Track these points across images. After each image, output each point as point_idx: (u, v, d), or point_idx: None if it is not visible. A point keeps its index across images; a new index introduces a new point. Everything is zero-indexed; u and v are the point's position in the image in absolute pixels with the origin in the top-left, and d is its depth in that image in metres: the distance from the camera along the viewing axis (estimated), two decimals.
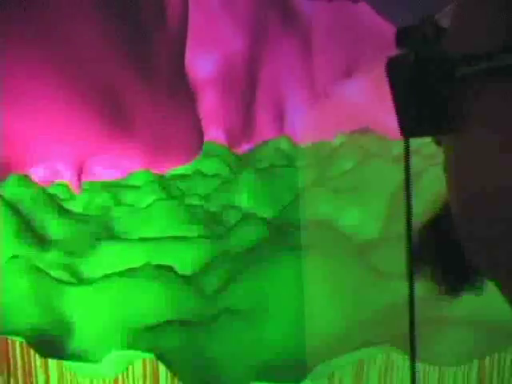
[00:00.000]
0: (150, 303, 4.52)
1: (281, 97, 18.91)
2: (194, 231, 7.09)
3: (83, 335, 4.33)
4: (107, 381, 3.70)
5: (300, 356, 3.81)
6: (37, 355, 3.92)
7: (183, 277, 5.01)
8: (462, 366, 4.13)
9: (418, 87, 0.50)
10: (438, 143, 0.58)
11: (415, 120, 0.52)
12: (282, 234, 5.38)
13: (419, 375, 4.09)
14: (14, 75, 10.72)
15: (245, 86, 16.83)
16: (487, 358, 4.22)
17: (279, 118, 19.55)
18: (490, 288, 0.55)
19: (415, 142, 0.59)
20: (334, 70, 20.54)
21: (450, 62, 0.49)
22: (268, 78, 18.27)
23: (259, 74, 18.06)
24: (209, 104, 16.45)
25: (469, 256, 0.54)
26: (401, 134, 0.56)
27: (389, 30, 22.12)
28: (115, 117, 13.00)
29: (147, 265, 4.91)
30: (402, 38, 0.52)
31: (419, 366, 4.00)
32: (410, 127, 0.54)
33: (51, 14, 11.28)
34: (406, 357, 3.80)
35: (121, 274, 4.85)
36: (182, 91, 15.16)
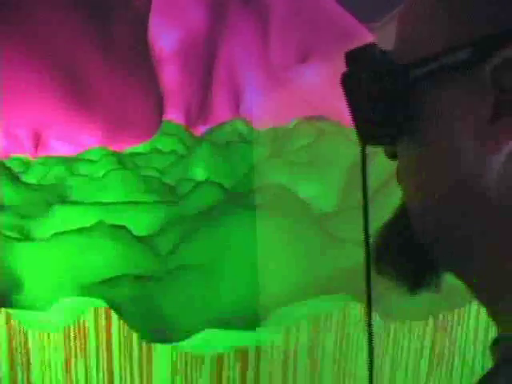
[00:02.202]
0: (103, 260, 4.48)
1: (237, 79, 18.83)
2: (148, 199, 7.05)
3: (33, 289, 4.27)
4: (58, 329, 3.66)
5: (252, 308, 3.83)
6: None
7: (137, 237, 4.98)
8: (418, 322, 4.21)
9: (373, 97, 0.52)
10: (390, 155, 0.61)
11: (373, 127, 0.54)
12: (236, 197, 5.39)
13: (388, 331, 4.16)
14: None
15: (204, 65, 16.73)
16: (441, 315, 4.32)
17: (235, 100, 19.48)
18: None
19: None
20: (291, 55, 20.53)
21: (400, 69, 0.51)
22: (226, 59, 18.18)
23: (217, 54, 17.97)
24: (168, 82, 16.31)
25: (428, 252, 0.57)
26: (359, 143, 0.59)
27: (349, 19, 22.16)
28: (75, 92, 12.82)
29: (100, 223, 4.86)
30: (352, 57, 0.54)
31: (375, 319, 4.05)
32: (367, 135, 0.56)
33: None
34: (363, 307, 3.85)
35: (72, 232, 4.79)
36: (143, 68, 15.02)
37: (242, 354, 3.60)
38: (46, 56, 11.66)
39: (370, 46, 0.54)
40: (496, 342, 0.48)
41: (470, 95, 0.47)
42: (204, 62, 17.56)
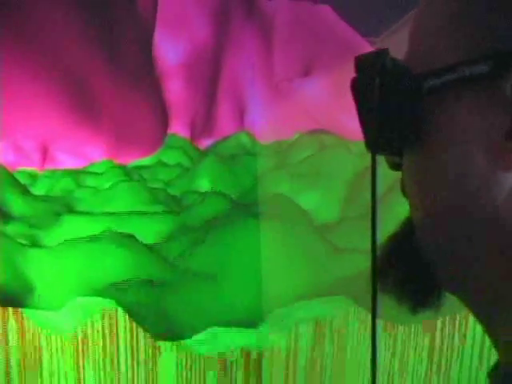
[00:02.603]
0: (112, 265, 4.64)
1: (241, 92, 18.96)
2: (156, 209, 7.22)
3: (44, 292, 4.44)
4: (69, 329, 3.81)
5: (254, 312, 3.99)
6: None
7: (145, 245, 5.15)
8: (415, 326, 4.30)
9: (384, 104, 0.51)
10: (394, 167, 0.60)
11: (384, 136, 0.52)
12: (242, 208, 5.56)
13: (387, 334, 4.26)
14: None
15: (208, 79, 16.89)
16: (440, 319, 4.41)
17: (240, 113, 19.60)
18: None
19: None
20: (294, 69, 20.65)
21: (416, 77, 0.50)
22: (230, 73, 18.34)
23: (221, 67, 18.13)
24: (173, 95, 16.46)
25: (432, 270, 0.56)
26: (368, 150, 0.56)
27: (350, 33, 22.26)
28: (81, 106, 12.98)
29: (109, 231, 5.04)
30: (362, 63, 0.53)
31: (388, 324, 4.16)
32: (377, 144, 0.54)
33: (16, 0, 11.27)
34: (365, 312, 3.97)
35: (82, 239, 4.96)
36: (148, 81, 15.19)
37: (245, 352, 3.74)
38: (53, 70, 11.83)
39: (382, 52, 0.52)
40: (495, 368, 0.48)
41: (486, 109, 0.45)
42: (208, 75, 17.72)
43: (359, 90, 0.53)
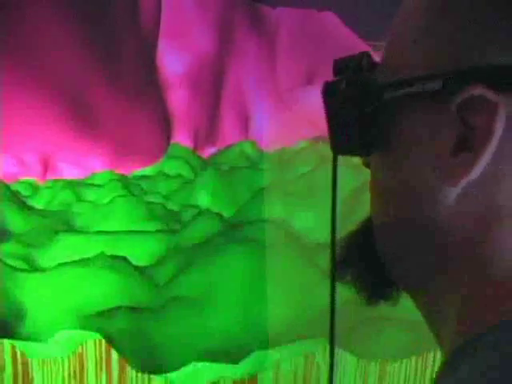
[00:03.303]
0: (103, 291, 4.69)
1: (245, 101, 18.98)
2: (151, 227, 7.27)
3: (34, 320, 4.50)
4: (57, 359, 3.86)
5: (239, 343, 4.03)
6: None
7: (136, 267, 5.20)
8: (400, 361, 4.31)
9: (347, 109, 0.53)
10: (365, 165, 0.62)
11: (344, 140, 0.55)
12: (235, 229, 5.60)
13: (361, 370, 4.29)
14: None
15: (212, 88, 16.92)
16: (425, 354, 4.42)
17: (243, 122, 19.59)
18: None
19: None
20: (298, 77, 20.65)
21: (376, 88, 0.52)
22: (233, 82, 18.36)
23: (225, 77, 18.16)
24: (177, 105, 16.49)
25: (386, 267, 0.58)
26: (332, 152, 0.60)
27: (354, 39, 22.21)
28: (81, 115, 13.01)
29: (101, 254, 5.09)
30: (339, 67, 0.56)
31: (361, 361, 4.18)
32: (339, 146, 0.57)
33: (15, 13, 11.33)
34: (346, 352, 3.99)
35: (74, 263, 5.02)
36: (150, 92, 15.23)
37: None
38: (54, 82, 11.88)
39: (357, 58, 0.54)
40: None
41: (436, 124, 0.47)
42: (212, 85, 17.74)
43: (328, 93, 0.56)
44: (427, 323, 0.55)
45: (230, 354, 3.89)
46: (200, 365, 3.60)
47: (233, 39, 18.42)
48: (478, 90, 0.44)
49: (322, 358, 3.87)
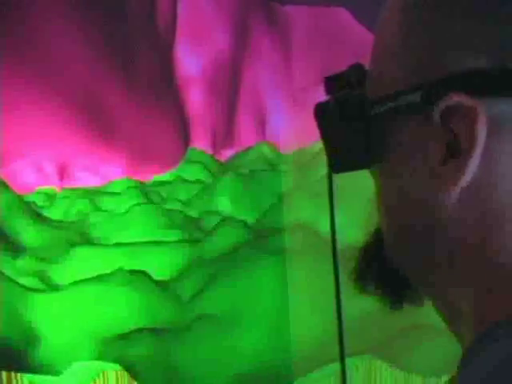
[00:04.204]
0: (122, 310, 4.32)
1: (261, 101, 18.88)
2: (172, 236, 6.92)
3: (49, 346, 4.12)
4: None
5: (277, 366, 3.64)
6: None
7: (158, 282, 4.82)
8: (441, 375, 4.03)
9: (339, 128, 0.51)
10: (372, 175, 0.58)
11: (340, 157, 0.54)
12: (261, 238, 5.22)
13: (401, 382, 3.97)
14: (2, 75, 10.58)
15: (228, 88, 16.78)
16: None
17: (260, 123, 19.48)
18: None
19: None
20: (312, 76, 20.57)
21: (364, 104, 0.50)
22: (249, 81, 18.23)
23: (242, 78, 18.01)
24: (193, 107, 16.35)
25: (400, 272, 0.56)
26: (328, 170, 0.57)
27: (371, 38, 22.23)
28: (99, 123, 12.92)
29: (120, 270, 4.71)
30: (329, 85, 0.55)
31: (401, 374, 3.88)
32: (335, 164, 0.55)
33: (35, 18, 11.13)
34: (387, 365, 3.65)
35: (91, 280, 4.65)
36: (167, 96, 15.02)
37: None
38: (70, 88, 11.68)
39: (345, 75, 0.54)
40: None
41: (424, 136, 0.46)
42: (228, 85, 17.53)
43: (318, 111, 0.54)
44: (447, 324, 0.49)
45: (262, 379, 3.51)
46: None
47: (248, 39, 18.23)
48: (455, 98, 0.42)
49: (366, 375, 3.52)
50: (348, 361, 3.48)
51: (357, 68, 0.55)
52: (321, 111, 0.54)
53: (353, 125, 0.51)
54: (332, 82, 0.55)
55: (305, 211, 6.78)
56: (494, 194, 0.45)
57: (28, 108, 11.27)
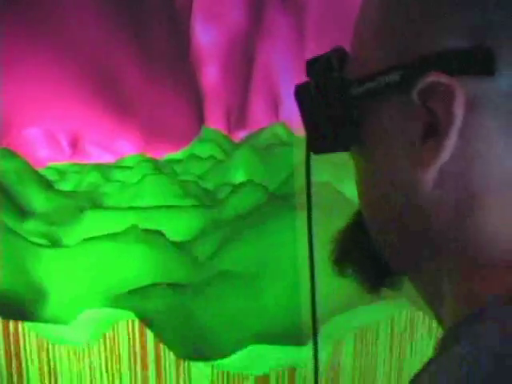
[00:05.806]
0: (136, 267, 4.06)
1: (275, 82, 18.64)
2: (187, 203, 6.66)
3: (58, 299, 3.89)
4: (83, 344, 3.27)
5: (299, 321, 3.38)
6: None
7: (174, 242, 4.57)
8: None
9: (318, 109, 0.56)
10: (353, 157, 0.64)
11: (319, 139, 0.58)
12: (280, 199, 4.95)
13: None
14: (15, 40, 10.36)
15: (242, 66, 16.55)
16: None
17: (275, 104, 19.25)
18: None
19: None
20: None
21: (343, 85, 0.54)
22: (263, 61, 17.99)
23: (256, 57, 17.77)
24: (208, 84, 16.12)
25: (380, 254, 0.61)
26: (306, 152, 0.65)
27: None
28: (113, 98, 12.63)
29: (133, 228, 4.46)
30: (310, 67, 0.58)
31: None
32: (314, 145, 0.60)
33: None
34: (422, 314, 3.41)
35: (103, 237, 4.40)
36: (183, 72, 14.76)
37: (289, 372, 3.18)
38: (85, 62, 11.46)
39: (326, 57, 0.56)
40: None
41: (403, 115, 0.49)
42: (243, 64, 17.28)
43: (300, 93, 0.58)
44: (427, 304, 0.56)
45: (288, 335, 3.26)
46: (259, 348, 2.96)
47: (263, 18, 17.96)
48: (433, 77, 0.45)
49: (388, 327, 3.28)
50: (369, 308, 3.25)
51: (338, 50, 0.58)
52: (301, 93, 0.58)
53: (332, 106, 0.54)
54: (313, 65, 0.57)
55: (325, 176, 6.51)
56: (471, 172, 0.47)
57: (43, 78, 11.08)
